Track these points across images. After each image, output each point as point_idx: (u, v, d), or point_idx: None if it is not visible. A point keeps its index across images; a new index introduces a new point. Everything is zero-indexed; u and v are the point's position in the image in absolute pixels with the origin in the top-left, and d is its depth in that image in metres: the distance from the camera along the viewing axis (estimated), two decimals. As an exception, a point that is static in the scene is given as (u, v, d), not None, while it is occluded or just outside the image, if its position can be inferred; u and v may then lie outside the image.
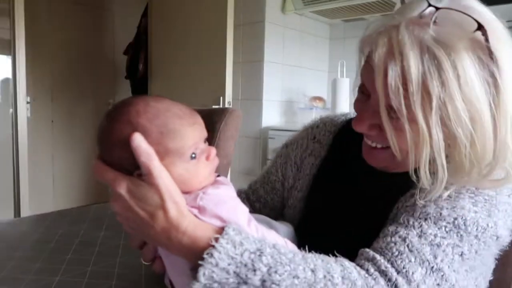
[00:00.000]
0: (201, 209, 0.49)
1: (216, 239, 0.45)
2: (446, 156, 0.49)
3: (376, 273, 0.48)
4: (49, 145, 3.65)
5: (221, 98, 2.32)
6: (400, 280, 0.47)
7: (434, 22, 0.48)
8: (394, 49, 0.48)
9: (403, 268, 0.48)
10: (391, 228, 0.52)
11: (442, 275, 0.48)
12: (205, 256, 0.44)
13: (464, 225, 0.50)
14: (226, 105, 2.30)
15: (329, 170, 0.71)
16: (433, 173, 0.50)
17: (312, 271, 0.46)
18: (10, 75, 3.03)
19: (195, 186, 0.51)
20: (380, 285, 0.46)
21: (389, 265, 0.48)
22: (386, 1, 2.18)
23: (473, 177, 0.51)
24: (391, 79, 0.47)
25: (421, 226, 0.50)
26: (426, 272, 0.48)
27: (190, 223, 0.47)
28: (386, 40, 0.49)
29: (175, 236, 0.47)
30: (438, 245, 0.49)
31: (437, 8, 0.48)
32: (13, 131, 2.26)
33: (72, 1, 3.71)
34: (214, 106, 2.31)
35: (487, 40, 0.47)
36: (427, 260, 0.48)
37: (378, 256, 0.49)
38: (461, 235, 0.50)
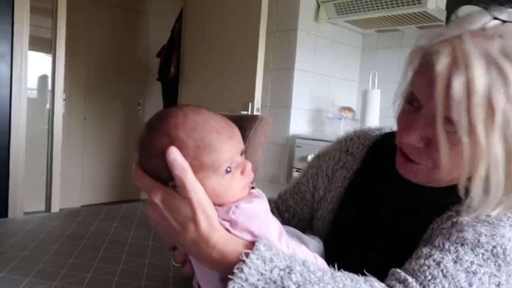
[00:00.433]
0: (232, 223, 0.50)
1: (247, 254, 0.46)
2: None
3: None
4: (80, 142, 3.77)
5: (250, 104, 2.33)
6: None
7: (500, 35, 0.47)
8: (458, 59, 0.47)
9: None
10: (425, 250, 0.51)
11: None
12: (235, 270, 0.45)
13: (503, 254, 0.48)
14: (255, 112, 2.31)
15: (361, 184, 0.70)
16: (484, 190, 0.48)
17: None
18: (48, 72, 3.16)
19: (228, 200, 0.52)
20: None
21: None
22: (423, 12, 2.14)
23: None
24: (455, 90, 0.46)
25: (457, 251, 0.49)
26: None
27: (221, 237, 0.48)
28: (450, 49, 0.48)
29: (205, 249, 0.48)
30: (474, 273, 0.47)
31: (503, 21, 0.48)
32: (49, 126, 2.35)
33: (110, 3, 3.83)
34: (242, 112, 2.32)
35: None
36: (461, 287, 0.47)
37: (410, 278, 0.48)
38: (499, 265, 0.48)
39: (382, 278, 0.50)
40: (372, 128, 0.77)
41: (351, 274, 0.48)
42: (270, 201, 0.82)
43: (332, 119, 2.63)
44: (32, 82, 3.22)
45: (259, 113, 2.32)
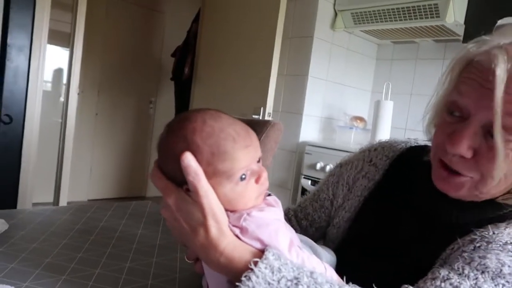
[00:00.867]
0: (243, 230, 0.50)
1: (255, 263, 0.46)
2: None
3: None
4: (90, 137, 3.81)
5: (262, 108, 2.34)
6: None
7: None
8: None
9: None
10: (443, 272, 0.49)
11: None
12: (242, 278, 0.45)
13: None
14: (266, 116, 2.31)
15: (381, 195, 0.69)
16: None
17: None
18: (63, 66, 3.21)
19: (240, 207, 0.52)
20: None
21: None
22: (441, 26, 2.13)
23: None
24: None
25: (476, 278, 0.47)
26: None
27: (229, 244, 0.48)
28: (505, 54, 0.48)
29: (213, 254, 0.49)
30: None
31: None
32: (62, 120, 2.37)
33: (129, 1, 3.87)
34: (254, 116, 2.33)
35: None
36: None
37: None
38: None
39: (393, 292, 0.49)
40: (397, 140, 0.76)
41: None
42: (289, 209, 0.82)
43: (343, 127, 2.62)
44: (47, 75, 3.28)
45: (270, 118, 2.32)
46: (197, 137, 0.49)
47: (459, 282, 0.47)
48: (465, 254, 0.51)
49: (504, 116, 0.47)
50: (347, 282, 0.51)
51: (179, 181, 0.50)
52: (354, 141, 2.57)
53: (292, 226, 0.76)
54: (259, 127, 1.51)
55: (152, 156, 4.11)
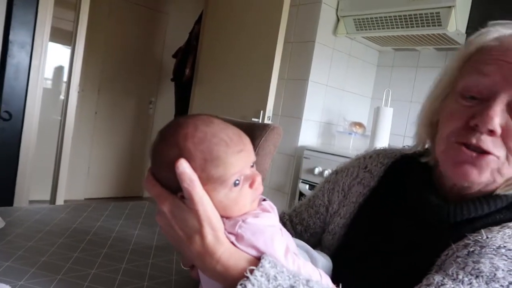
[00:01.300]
0: (238, 237, 0.50)
1: (251, 271, 0.46)
2: None
3: None
4: (89, 135, 3.80)
5: (262, 112, 2.34)
6: None
7: None
8: None
9: None
10: (437, 278, 0.50)
11: None
12: (238, 286, 0.45)
13: None
14: (266, 120, 2.31)
15: (375, 201, 0.70)
16: None
17: None
18: (64, 64, 3.20)
19: (235, 213, 0.52)
20: None
21: None
22: (442, 35, 2.14)
23: None
24: None
25: (471, 283, 0.47)
26: None
27: (225, 251, 0.48)
28: None
29: (209, 262, 0.48)
30: None
31: None
32: (62, 118, 2.37)
33: (132, 0, 3.87)
34: (253, 119, 2.33)
35: None
36: None
37: None
38: None
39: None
40: (392, 148, 0.77)
41: None
42: (284, 214, 0.82)
43: (342, 133, 2.62)
44: (48, 72, 3.28)
45: (270, 122, 2.32)
46: (189, 143, 0.49)
47: (453, 287, 0.48)
48: (459, 259, 0.51)
49: None
50: None
51: (174, 188, 0.49)
52: (353, 146, 2.58)
53: (287, 230, 0.76)
54: (258, 130, 1.51)
55: (151, 156, 4.09)
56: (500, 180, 0.54)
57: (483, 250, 0.50)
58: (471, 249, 0.51)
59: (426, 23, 2.12)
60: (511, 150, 0.52)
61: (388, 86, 2.56)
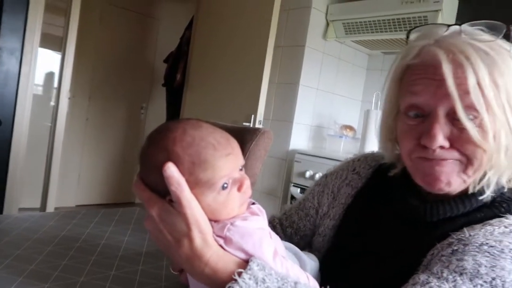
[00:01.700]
0: (227, 240, 0.50)
1: (239, 274, 0.46)
2: None
3: None
4: (80, 142, 3.78)
5: (253, 116, 2.35)
6: None
7: (464, 34, 0.56)
8: (456, 53, 0.53)
9: None
10: (423, 277, 0.50)
11: None
12: None
13: (503, 287, 0.47)
14: (257, 124, 2.32)
15: (364, 202, 0.71)
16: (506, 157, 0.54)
17: None
18: (54, 70, 3.19)
19: (224, 216, 0.52)
20: None
21: None
22: (429, 39, 2.17)
23: None
24: (467, 74, 0.52)
25: (455, 280, 0.48)
26: None
27: (214, 254, 0.49)
28: (442, 50, 0.54)
29: (198, 265, 0.49)
30: None
31: (460, 24, 0.56)
32: (52, 124, 2.36)
33: (122, 6, 3.87)
34: (244, 123, 2.33)
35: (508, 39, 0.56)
36: None
37: None
38: None
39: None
40: (380, 152, 0.78)
41: None
42: (274, 217, 0.83)
43: (333, 136, 2.64)
44: (38, 78, 3.25)
45: (261, 126, 2.33)
46: (178, 147, 0.49)
47: (438, 285, 0.48)
48: (443, 258, 0.52)
49: (461, 98, 0.52)
50: None
51: (162, 192, 0.50)
52: (344, 149, 2.59)
53: (277, 234, 0.77)
54: (249, 134, 1.51)
55: (143, 162, 4.08)
56: (469, 180, 0.56)
57: (466, 248, 0.51)
58: (455, 248, 0.52)
59: (414, 26, 2.14)
60: (465, 154, 0.54)
61: (378, 89, 2.58)
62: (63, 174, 3.29)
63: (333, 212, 0.74)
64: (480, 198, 0.57)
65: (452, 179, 0.56)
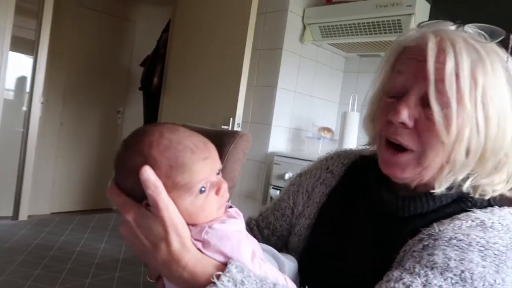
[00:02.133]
0: (205, 243, 0.50)
1: (218, 276, 0.46)
2: None
3: None
4: (54, 147, 3.68)
5: (231, 119, 2.34)
6: None
7: (465, 31, 0.58)
8: (444, 39, 0.55)
9: None
10: (396, 273, 0.51)
11: None
12: None
13: (471, 279, 0.48)
14: (236, 127, 2.32)
15: (337, 200, 0.71)
16: (466, 153, 0.54)
17: None
18: (26, 74, 3.10)
19: (201, 220, 0.52)
20: None
21: None
22: (403, 42, 2.22)
23: (488, 167, 0.55)
24: (447, 61, 0.53)
25: (426, 275, 0.49)
26: None
27: (192, 257, 0.48)
28: (434, 34, 0.56)
29: (175, 269, 0.48)
30: None
31: (460, 24, 0.58)
32: (24, 129, 2.29)
33: (97, 9, 3.81)
34: (223, 127, 2.33)
35: (506, 47, 0.57)
36: None
37: None
38: None
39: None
40: (353, 149, 0.80)
41: None
42: (251, 219, 0.83)
43: (311, 138, 2.66)
44: (9, 83, 3.15)
45: (239, 129, 2.33)
46: (155, 151, 0.49)
47: (411, 281, 0.49)
48: (415, 253, 0.53)
49: (436, 82, 0.53)
50: None
51: (138, 197, 0.49)
52: (322, 151, 2.62)
53: (254, 235, 0.77)
54: (227, 138, 1.51)
55: (120, 167, 4.00)
56: (424, 172, 0.57)
57: (436, 242, 0.52)
58: (426, 243, 0.53)
59: (389, 30, 2.19)
60: (424, 142, 0.55)
61: (355, 92, 2.62)
62: (37, 180, 3.19)
63: (308, 212, 0.74)
64: (433, 191, 0.57)
65: (407, 170, 0.58)
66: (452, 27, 0.59)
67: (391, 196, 0.61)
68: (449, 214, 0.57)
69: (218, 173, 0.54)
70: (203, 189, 0.51)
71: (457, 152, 0.54)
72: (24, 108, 2.65)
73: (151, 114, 3.15)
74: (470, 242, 0.51)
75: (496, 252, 0.51)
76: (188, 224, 0.50)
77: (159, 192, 0.47)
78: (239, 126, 2.34)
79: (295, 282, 0.58)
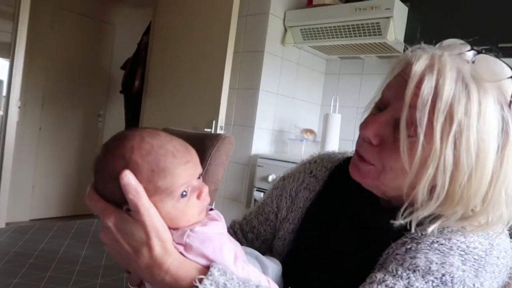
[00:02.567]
0: (187, 247, 0.50)
1: (200, 280, 0.46)
2: None
3: None
4: (33, 152, 3.60)
5: (214, 122, 2.34)
6: None
7: (473, 61, 0.52)
8: (434, 64, 0.51)
9: None
10: (379, 276, 0.52)
11: None
12: None
13: (451, 282, 0.50)
14: (218, 130, 2.31)
15: (321, 205, 0.72)
16: (429, 192, 0.51)
17: None
18: (2, 77, 3.02)
19: (183, 224, 0.52)
20: None
21: None
22: (382, 43, 2.26)
23: (457, 213, 0.52)
24: (424, 89, 0.49)
25: (409, 277, 0.50)
26: None
27: (174, 261, 0.48)
28: (429, 56, 0.52)
29: (158, 273, 0.48)
30: None
31: (478, 52, 0.53)
32: (1, 135, 2.23)
33: (76, 11, 3.75)
34: (206, 130, 2.32)
35: None
36: None
37: None
38: None
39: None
40: (335, 152, 0.79)
41: None
42: (235, 222, 0.83)
43: (294, 140, 2.68)
44: (-15, 86, 3.07)
45: (222, 131, 2.33)
46: (136, 155, 0.49)
47: (393, 283, 0.50)
48: (398, 256, 0.54)
49: (410, 108, 0.50)
50: None
51: (119, 202, 0.49)
52: (305, 153, 2.64)
53: (238, 239, 0.77)
54: (210, 141, 1.51)
55: (101, 171, 3.94)
56: (387, 191, 0.57)
57: (419, 246, 0.53)
58: (408, 246, 0.54)
59: (368, 32, 2.23)
60: (384, 163, 0.55)
61: (336, 93, 2.66)
62: (15, 187, 3.11)
63: (292, 216, 0.74)
64: (394, 222, 0.53)
65: (367, 179, 0.58)
66: (462, 53, 0.53)
67: (371, 211, 0.62)
68: (431, 219, 0.57)
69: (199, 178, 0.54)
70: (184, 193, 0.51)
71: (419, 186, 0.51)
72: (1, 113, 2.59)
73: (133, 118, 3.12)
74: (451, 247, 0.52)
75: (476, 257, 0.52)
76: (169, 228, 0.50)
77: (140, 197, 0.47)
78: (222, 129, 2.34)
79: (278, 285, 0.58)
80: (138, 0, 4.03)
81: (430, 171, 0.50)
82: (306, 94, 2.80)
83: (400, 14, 2.19)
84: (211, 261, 0.49)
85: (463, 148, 0.49)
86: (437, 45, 0.57)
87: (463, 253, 0.52)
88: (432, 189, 0.52)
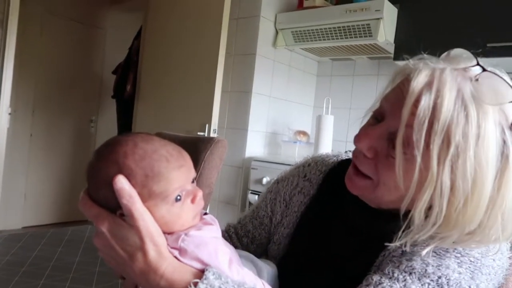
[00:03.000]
0: (181, 251, 0.50)
1: (195, 284, 0.46)
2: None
3: None
4: (25, 159, 3.57)
5: (207, 125, 2.34)
6: None
7: (477, 79, 0.49)
8: (433, 83, 0.48)
9: None
10: (375, 278, 0.52)
11: None
12: None
13: (447, 284, 0.50)
14: (212, 133, 2.31)
15: (316, 209, 0.71)
16: (425, 215, 0.50)
17: None
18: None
19: (177, 228, 0.52)
20: None
21: None
22: (373, 44, 2.27)
23: (453, 236, 0.50)
24: (421, 110, 0.47)
25: (405, 280, 0.50)
26: None
27: (169, 266, 0.48)
28: (429, 72, 0.50)
29: (153, 278, 0.48)
30: None
31: (484, 69, 0.50)
32: (-9, 142, 2.21)
33: (66, 16, 3.73)
34: (199, 133, 2.32)
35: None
36: None
37: None
38: None
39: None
40: (329, 154, 0.78)
41: None
42: (229, 226, 0.82)
43: (287, 142, 2.68)
44: (-26, 93, 3.04)
45: (215, 135, 2.32)
46: (130, 160, 0.49)
47: (390, 285, 0.50)
48: (394, 259, 0.54)
49: (407, 127, 0.48)
50: None
51: (113, 207, 0.48)
52: (299, 154, 2.64)
53: (233, 243, 0.77)
54: (203, 144, 1.50)
55: (94, 177, 3.91)
56: (383, 204, 0.57)
57: (415, 248, 0.53)
58: (405, 249, 0.54)
59: (359, 34, 2.24)
60: (379, 176, 0.53)
61: (328, 95, 2.67)
62: (7, 194, 3.08)
63: (286, 221, 0.74)
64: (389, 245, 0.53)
65: (363, 193, 0.58)
66: (466, 68, 0.51)
67: (366, 219, 0.61)
68: None
69: (193, 182, 0.54)
70: (178, 197, 0.51)
71: (415, 210, 0.49)
72: (-9, 120, 2.56)
73: (125, 122, 3.10)
74: (447, 249, 0.52)
75: (472, 259, 0.52)
76: (164, 232, 0.50)
77: (134, 202, 0.47)
78: (215, 132, 2.33)
79: (274, 288, 0.58)
80: (128, 5, 4.02)
81: (426, 196, 0.48)
82: (298, 96, 2.81)
83: (390, 16, 2.20)
84: (206, 265, 0.49)
85: (459, 172, 0.47)
86: (442, 55, 0.55)
87: (459, 255, 0.52)
88: (428, 210, 0.50)
